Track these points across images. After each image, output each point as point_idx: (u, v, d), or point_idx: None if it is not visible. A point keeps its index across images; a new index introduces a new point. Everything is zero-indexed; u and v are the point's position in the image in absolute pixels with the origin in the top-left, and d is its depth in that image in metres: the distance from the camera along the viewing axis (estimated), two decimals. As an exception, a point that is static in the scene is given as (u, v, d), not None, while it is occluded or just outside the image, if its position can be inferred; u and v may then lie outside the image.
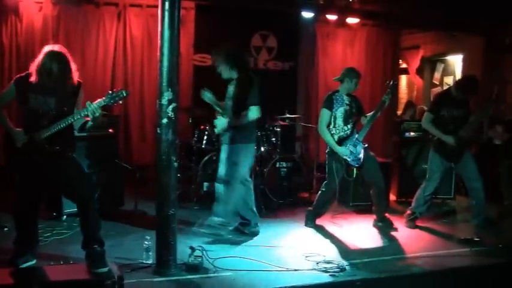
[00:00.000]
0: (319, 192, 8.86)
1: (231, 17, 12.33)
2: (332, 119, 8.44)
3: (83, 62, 11.37)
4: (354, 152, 8.39)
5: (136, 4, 11.76)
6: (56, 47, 6.22)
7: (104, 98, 6.22)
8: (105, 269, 5.81)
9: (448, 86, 9.11)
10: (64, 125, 6.09)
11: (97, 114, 6.11)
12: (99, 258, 6.00)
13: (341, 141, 8.43)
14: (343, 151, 8.34)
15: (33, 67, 6.13)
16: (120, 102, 6.45)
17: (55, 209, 8.52)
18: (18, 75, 6.34)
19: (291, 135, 12.93)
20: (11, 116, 6.46)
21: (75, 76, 6.31)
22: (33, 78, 6.10)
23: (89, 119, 6.28)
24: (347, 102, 8.51)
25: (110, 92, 6.29)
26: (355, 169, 8.46)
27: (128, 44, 11.78)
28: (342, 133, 8.47)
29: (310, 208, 8.96)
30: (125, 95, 6.31)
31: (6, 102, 6.41)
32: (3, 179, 7.10)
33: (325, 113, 8.45)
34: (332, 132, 8.44)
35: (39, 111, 6.09)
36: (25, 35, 10.64)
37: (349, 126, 8.50)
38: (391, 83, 8.69)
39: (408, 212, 8.99)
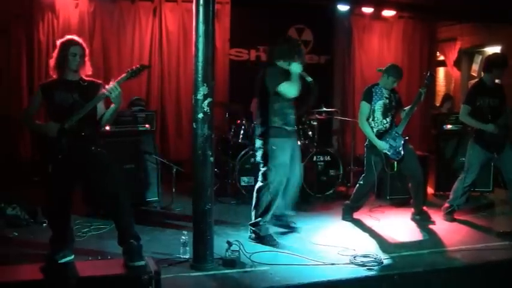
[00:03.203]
0: (357, 185, 8.83)
1: (267, 11, 12.31)
2: (371, 112, 8.42)
3: (119, 58, 11.48)
4: (394, 145, 8.34)
5: (171, -1, 11.83)
6: (70, 36, 6.53)
7: (124, 74, 6.36)
8: (142, 262, 5.82)
9: (480, 77, 8.95)
10: (87, 109, 6.21)
11: (116, 92, 6.19)
12: (135, 251, 6.01)
13: (380, 135, 8.40)
14: (383, 145, 8.31)
15: (52, 62, 6.44)
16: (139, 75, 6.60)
17: (92, 205, 8.57)
18: (42, 82, 6.67)
19: (327, 129, 12.92)
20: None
21: (89, 68, 6.53)
22: (55, 75, 6.38)
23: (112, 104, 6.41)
24: (386, 95, 8.47)
25: (128, 69, 6.42)
26: (395, 162, 8.42)
27: (163, 40, 11.83)
28: (380, 126, 8.44)
29: (347, 202, 8.93)
30: (141, 68, 6.47)
31: (36, 109, 6.57)
32: (39, 175, 7.16)
33: (364, 106, 8.44)
34: (371, 125, 8.40)
35: (65, 105, 6.23)
36: (61, 32, 10.67)
37: (388, 119, 8.47)
38: (428, 74, 8.63)
39: (446, 205, 8.89)
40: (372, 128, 8.39)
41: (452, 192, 8.91)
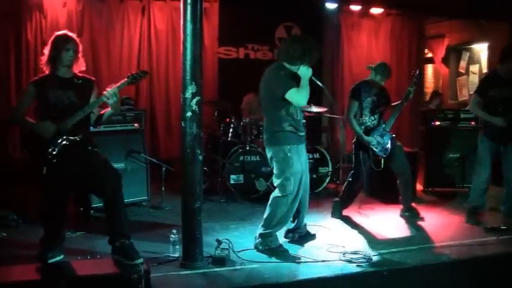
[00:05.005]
0: (346, 182, 8.86)
1: (255, 9, 12.30)
2: (359, 109, 8.45)
3: (108, 57, 11.48)
4: (381, 142, 8.38)
5: (160, -2, 11.83)
6: (62, 32, 6.51)
7: (125, 79, 6.37)
8: (141, 259, 5.84)
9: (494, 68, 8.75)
10: (84, 113, 6.23)
11: (115, 98, 6.17)
12: (131, 250, 6.02)
13: (368, 132, 8.44)
14: (370, 140, 8.34)
15: (44, 58, 6.37)
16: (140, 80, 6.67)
17: (82, 204, 8.56)
18: (33, 78, 6.58)
19: (316, 127, 12.92)
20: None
21: (83, 63, 6.51)
22: (47, 71, 6.34)
23: (103, 112, 6.46)
24: (374, 92, 8.51)
25: (129, 74, 6.44)
26: (382, 160, 8.45)
27: (152, 38, 11.84)
28: (368, 123, 8.48)
29: (336, 199, 8.93)
30: (142, 74, 6.53)
31: (27, 107, 6.45)
32: (29, 176, 7.14)
33: (351, 103, 8.46)
34: (359, 122, 8.44)
35: (60, 105, 6.20)
36: (50, 31, 10.63)
37: (375, 116, 8.51)
38: (417, 72, 8.65)
39: (468, 206, 8.72)
40: (360, 124, 8.41)
41: (471, 192, 8.77)
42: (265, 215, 7.16)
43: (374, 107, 8.47)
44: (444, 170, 10.15)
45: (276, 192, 7.13)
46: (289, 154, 6.98)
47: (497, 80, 8.43)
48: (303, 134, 7.29)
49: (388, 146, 8.42)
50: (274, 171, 7.15)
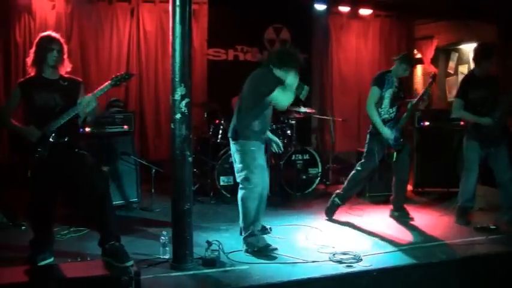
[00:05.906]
0: (354, 171, 8.74)
1: (244, 11, 12.31)
2: (379, 99, 8.42)
3: (97, 59, 11.42)
4: (396, 135, 8.41)
5: (149, 0, 11.77)
6: (46, 32, 6.51)
7: (108, 81, 6.38)
8: (131, 262, 5.83)
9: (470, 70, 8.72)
10: (69, 116, 6.22)
11: (91, 107, 6.22)
12: (121, 252, 5.99)
13: (384, 124, 8.40)
14: (389, 133, 8.34)
15: (29, 60, 6.41)
16: (124, 83, 6.63)
17: (71, 206, 8.53)
18: (20, 80, 6.63)
19: (306, 128, 12.93)
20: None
21: (68, 64, 6.50)
22: (33, 72, 6.36)
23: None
24: (396, 84, 8.48)
25: (113, 76, 6.45)
26: (395, 153, 8.47)
27: (141, 40, 11.79)
28: (386, 115, 8.45)
29: (338, 191, 8.86)
30: (126, 77, 6.52)
31: (14, 109, 6.49)
32: (18, 177, 7.12)
33: (374, 91, 8.40)
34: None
35: (46, 107, 6.22)
36: (38, 33, 10.50)
37: (394, 109, 8.49)
38: (432, 74, 8.71)
39: (457, 206, 8.70)
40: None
41: (460, 193, 8.69)
42: (240, 219, 7.24)
43: (394, 99, 8.44)
44: (434, 170, 10.16)
45: (241, 190, 7.20)
46: (253, 148, 7.11)
47: (475, 81, 8.43)
48: (265, 136, 7.48)
49: (402, 140, 8.48)
50: (238, 164, 7.23)
